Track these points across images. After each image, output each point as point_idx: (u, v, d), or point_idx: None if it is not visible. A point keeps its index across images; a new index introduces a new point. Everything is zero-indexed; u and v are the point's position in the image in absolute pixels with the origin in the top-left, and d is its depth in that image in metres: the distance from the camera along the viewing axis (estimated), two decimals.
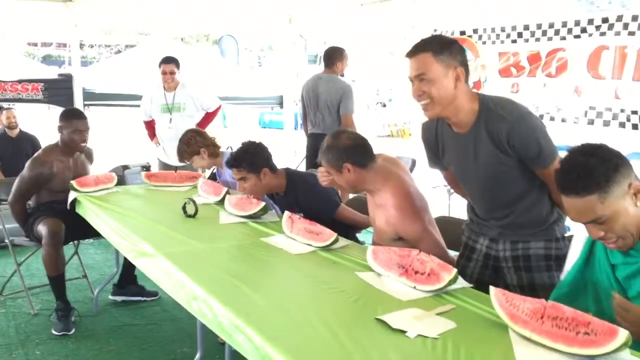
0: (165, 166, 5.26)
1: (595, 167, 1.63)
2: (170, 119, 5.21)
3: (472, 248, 2.41)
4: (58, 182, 3.74)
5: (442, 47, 2.05)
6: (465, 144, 2.18)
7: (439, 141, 2.31)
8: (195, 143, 3.83)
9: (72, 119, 3.74)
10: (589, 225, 1.70)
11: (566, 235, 2.27)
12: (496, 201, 2.24)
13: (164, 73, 5.16)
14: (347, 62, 5.12)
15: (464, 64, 2.09)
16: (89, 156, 4.01)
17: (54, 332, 3.50)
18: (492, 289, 1.79)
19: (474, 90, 2.19)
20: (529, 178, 2.16)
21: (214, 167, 4.18)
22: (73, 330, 3.53)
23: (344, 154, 2.56)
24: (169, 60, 5.18)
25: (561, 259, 2.21)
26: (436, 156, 2.37)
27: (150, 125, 5.47)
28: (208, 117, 5.41)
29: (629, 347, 1.50)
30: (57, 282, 3.62)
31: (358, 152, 2.58)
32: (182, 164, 4.72)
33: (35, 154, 3.80)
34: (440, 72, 2.04)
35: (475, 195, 2.34)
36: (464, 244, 2.46)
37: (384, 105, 20.86)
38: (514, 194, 2.19)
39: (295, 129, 7.72)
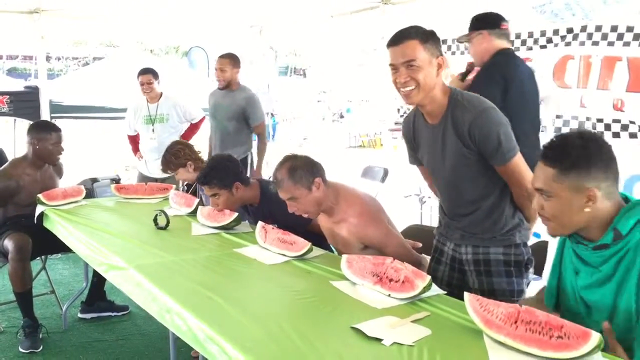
0: (144, 178, 5.12)
1: (572, 150, 1.64)
2: (153, 130, 5.10)
3: (441, 251, 2.45)
4: (25, 196, 3.65)
5: (427, 36, 2.10)
6: (435, 134, 2.23)
7: (415, 134, 2.35)
8: (183, 155, 3.77)
9: (51, 131, 3.68)
10: (537, 193, 1.73)
11: (531, 242, 2.31)
12: (460, 197, 2.28)
13: (141, 84, 5.07)
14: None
15: (442, 55, 2.15)
16: (59, 170, 3.93)
17: (21, 349, 3.41)
18: (466, 294, 1.80)
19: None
20: (492, 177, 2.19)
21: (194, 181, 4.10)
22: (41, 348, 3.44)
23: (313, 169, 2.57)
24: (145, 71, 5.10)
25: (521, 265, 2.27)
26: (413, 150, 2.42)
27: (134, 140, 5.34)
28: (192, 129, 5.32)
29: (601, 350, 1.52)
30: (24, 298, 3.53)
31: (318, 167, 2.61)
32: (162, 176, 4.65)
33: (2, 167, 3.71)
34: (426, 60, 2.08)
35: (443, 189, 2.37)
36: (434, 247, 2.50)
37: (342, 116, 21.07)
38: (476, 192, 2.23)
39: (268, 139, 7.69)
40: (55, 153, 3.70)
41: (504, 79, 3.04)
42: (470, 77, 3.32)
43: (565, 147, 1.66)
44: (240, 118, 4.78)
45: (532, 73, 3.37)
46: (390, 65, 2.14)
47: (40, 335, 3.54)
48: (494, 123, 2.11)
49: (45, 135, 3.66)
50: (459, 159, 2.18)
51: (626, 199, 1.71)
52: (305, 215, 2.63)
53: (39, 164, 3.71)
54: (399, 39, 2.11)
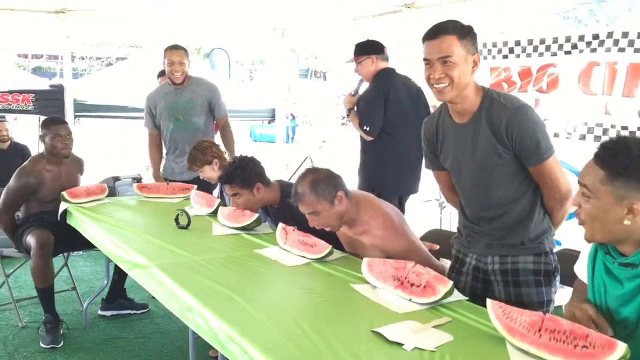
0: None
1: (628, 156, 1.55)
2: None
3: (462, 261, 2.38)
4: (46, 191, 3.70)
5: (465, 32, 2.05)
6: (465, 133, 2.17)
7: (438, 134, 2.29)
8: (210, 152, 3.76)
9: (51, 125, 3.72)
10: (579, 192, 1.67)
11: (555, 249, 2.27)
12: (489, 199, 2.21)
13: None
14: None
15: (478, 52, 2.11)
16: (80, 167, 3.98)
17: (42, 344, 3.46)
18: (489, 301, 1.78)
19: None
20: (524, 179, 2.15)
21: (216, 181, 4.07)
22: (61, 344, 3.48)
23: (335, 182, 2.53)
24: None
25: (550, 274, 2.21)
26: (433, 153, 2.35)
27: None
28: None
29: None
30: (46, 294, 3.58)
31: (340, 180, 2.58)
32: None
33: (23, 164, 3.77)
34: (462, 56, 2.04)
35: (469, 191, 2.29)
36: (454, 257, 2.43)
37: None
38: (507, 194, 2.17)
39: (286, 142, 7.73)
40: (59, 147, 3.70)
41: (386, 90, 3.78)
42: (360, 91, 3.98)
43: (621, 152, 1.57)
44: (208, 111, 4.41)
45: (411, 86, 3.95)
46: (425, 59, 2.10)
47: (61, 331, 3.58)
48: (531, 121, 2.07)
49: (45, 130, 3.71)
50: (492, 158, 2.12)
51: None
52: (327, 229, 2.60)
53: (55, 160, 3.75)
54: (436, 33, 2.06)
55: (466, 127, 2.16)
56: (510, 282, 2.21)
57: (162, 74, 5.02)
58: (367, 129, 3.78)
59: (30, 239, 3.54)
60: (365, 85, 4.01)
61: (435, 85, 2.09)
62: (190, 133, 4.34)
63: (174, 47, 4.35)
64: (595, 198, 1.61)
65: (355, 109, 3.93)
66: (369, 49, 3.89)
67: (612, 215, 1.59)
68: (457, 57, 2.03)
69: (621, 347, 1.47)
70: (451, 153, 2.27)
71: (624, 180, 1.55)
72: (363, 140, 3.90)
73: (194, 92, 4.38)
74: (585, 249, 1.84)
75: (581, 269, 1.87)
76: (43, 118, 4.33)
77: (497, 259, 2.24)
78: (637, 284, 1.61)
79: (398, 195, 3.88)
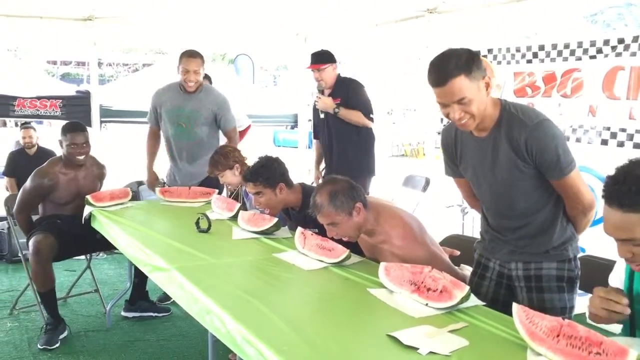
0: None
1: None
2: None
3: (485, 266, 2.38)
4: (61, 194, 3.76)
5: (469, 65, 2.00)
6: (484, 147, 2.16)
7: (457, 145, 2.29)
8: (232, 157, 3.80)
9: (68, 132, 3.73)
10: (620, 242, 1.59)
11: (578, 255, 2.25)
12: (511, 211, 2.20)
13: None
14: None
15: (485, 70, 2.08)
16: (100, 173, 4.00)
17: (38, 345, 3.52)
18: (515, 305, 1.78)
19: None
20: (546, 190, 2.13)
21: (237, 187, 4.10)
22: (56, 345, 3.52)
23: (354, 193, 2.53)
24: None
25: (573, 280, 2.20)
26: (453, 162, 2.35)
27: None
28: (239, 135, 4.92)
29: None
30: (46, 297, 3.64)
31: (359, 190, 2.57)
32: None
33: (40, 166, 3.84)
34: (475, 89, 2.01)
35: (490, 203, 2.29)
36: (477, 262, 2.43)
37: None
38: (529, 205, 2.16)
39: (309, 147, 7.73)
40: (74, 154, 3.73)
41: (346, 91, 4.39)
42: (326, 94, 4.43)
43: (639, 184, 1.51)
44: (212, 123, 4.33)
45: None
46: (439, 102, 2.08)
47: (62, 335, 3.62)
48: (550, 136, 2.04)
49: (63, 136, 3.74)
50: (513, 172, 2.12)
51: None
52: (345, 239, 2.60)
53: (71, 164, 3.79)
54: (442, 79, 2.00)
55: (485, 141, 2.15)
56: (534, 288, 2.21)
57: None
58: (372, 116, 4.40)
59: (30, 244, 3.60)
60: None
61: (457, 122, 2.08)
62: (190, 141, 4.31)
63: (191, 55, 4.20)
64: None
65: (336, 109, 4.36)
66: (330, 57, 4.39)
67: None
68: (471, 93, 2.01)
69: (632, 355, 1.46)
70: (471, 165, 2.26)
71: None
72: (355, 131, 4.37)
73: (200, 102, 4.27)
74: (620, 260, 1.80)
75: (615, 280, 1.84)
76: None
77: (520, 265, 2.23)
78: None
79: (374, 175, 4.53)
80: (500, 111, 2.10)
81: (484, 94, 2.04)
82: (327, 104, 4.38)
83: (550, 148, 2.03)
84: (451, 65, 1.98)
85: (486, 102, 2.06)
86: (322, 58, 4.38)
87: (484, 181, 2.24)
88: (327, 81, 4.39)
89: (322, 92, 4.47)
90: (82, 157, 3.77)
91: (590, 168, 3.92)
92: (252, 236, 3.10)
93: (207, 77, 4.88)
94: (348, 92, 4.40)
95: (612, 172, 1.61)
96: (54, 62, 27.33)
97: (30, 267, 3.60)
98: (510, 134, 2.07)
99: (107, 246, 3.67)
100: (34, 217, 3.90)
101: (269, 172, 3.09)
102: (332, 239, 2.64)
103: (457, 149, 2.30)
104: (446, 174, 2.48)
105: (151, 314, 4.04)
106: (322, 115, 4.48)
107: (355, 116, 4.34)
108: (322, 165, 4.74)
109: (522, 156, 2.07)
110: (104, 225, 3.48)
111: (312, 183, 4.76)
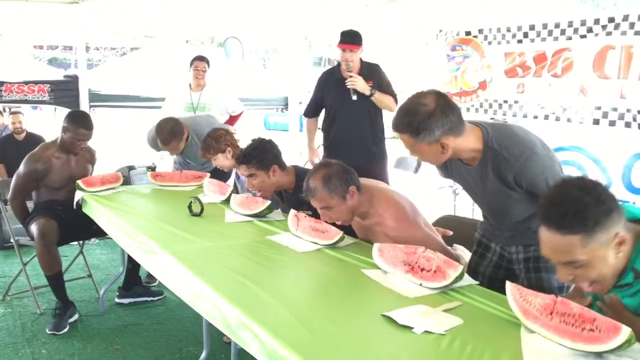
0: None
1: (587, 207, 1.49)
2: None
3: (487, 247, 2.44)
4: (55, 178, 3.74)
5: (423, 128, 2.00)
6: (473, 175, 2.20)
7: (447, 164, 2.28)
8: (224, 141, 3.78)
9: (79, 127, 3.70)
10: (560, 265, 1.58)
11: None
12: (507, 219, 2.27)
13: (196, 69, 5.20)
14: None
15: (445, 125, 2.00)
16: (91, 157, 3.99)
17: (46, 330, 3.51)
18: (508, 284, 1.80)
19: (473, 123, 2.14)
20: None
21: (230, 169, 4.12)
22: (65, 330, 3.52)
23: (347, 177, 2.53)
24: (202, 58, 5.28)
25: None
26: (445, 171, 2.36)
27: None
28: (231, 121, 5.33)
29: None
30: (54, 280, 3.63)
31: (352, 174, 2.58)
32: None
33: (32, 151, 3.80)
34: (424, 148, 2.05)
35: (485, 210, 2.38)
36: (478, 241, 2.49)
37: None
38: (523, 212, 2.20)
39: (300, 130, 7.71)
40: (77, 147, 3.74)
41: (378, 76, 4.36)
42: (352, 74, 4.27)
43: (580, 208, 1.49)
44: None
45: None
46: None
47: (72, 319, 3.63)
48: (539, 172, 2.05)
49: (70, 126, 3.70)
50: (504, 197, 2.15)
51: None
52: (339, 223, 2.61)
53: (67, 150, 3.77)
54: (394, 126, 2.09)
55: (474, 170, 2.17)
56: (532, 269, 2.25)
57: (198, 58, 5.28)
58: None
59: (34, 228, 3.59)
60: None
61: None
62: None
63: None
64: (588, 262, 1.53)
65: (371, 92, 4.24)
66: (361, 39, 4.25)
67: (609, 257, 1.54)
68: (418, 150, 2.08)
69: (625, 332, 1.48)
70: (462, 182, 2.32)
71: (600, 227, 1.50)
72: (380, 116, 4.34)
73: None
74: None
75: None
76: (67, 111, 4.35)
77: (521, 249, 2.28)
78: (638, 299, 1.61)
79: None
80: (484, 147, 2.10)
81: (437, 150, 2.05)
82: (364, 85, 4.24)
83: (540, 182, 2.05)
84: (404, 122, 2.05)
85: (445, 156, 2.07)
86: (357, 39, 4.26)
87: (476, 198, 2.31)
88: (356, 64, 4.29)
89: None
90: (81, 151, 3.79)
91: (582, 148, 3.94)
92: (245, 219, 3.09)
93: (206, 60, 5.31)
94: (380, 76, 4.34)
95: (548, 194, 1.60)
96: (41, 47, 26.99)
97: (37, 252, 3.58)
98: (497, 171, 2.10)
99: (104, 233, 3.66)
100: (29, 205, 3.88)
101: (262, 154, 3.09)
102: (326, 222, 2.64)
103: (447, 164, 2.29)
104: (440, 175, 2.48)
105: (146, 298, 4.04)
106: (354, 97, 4.27)
107: (388, 101, 4.29)
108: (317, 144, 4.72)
109: (512, 187, 2.11)
110: (95, 210, 3.46)
111: (306, 164, 4.76)
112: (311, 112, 4.65)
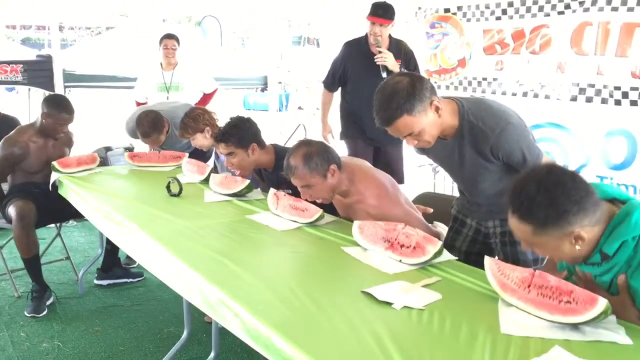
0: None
1: (539, 206, 1.54)
2: (167, 98, 5.04)
3: (463, 222, 2.46)
4: (32, 162, 3.68)
5: (411, 100, 2.00)
6: (449, 149, 2.21)
7: None
8: (202, 120, 3.73)
9: (63, 112, 3.64)
10: (524, 243, 1.68)
11: None
12: (482, 193, 2.29)
13: (165, 48, 5.10)
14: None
15: (432, 88, 2.06)
16: (68, 140, 3.92)
17: (25, 313, 3.48)
18: (487, 258, 1.81)
19: (448, 98, 2.17)
20: (515, 173, 2.15)
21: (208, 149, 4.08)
22: (44, 313, 3.50)
23: (328, 156, 2.52)
24: (171, 36, 5.15)
25: None
26: (422, 151, 2.38)
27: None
28: (205, 99, 5.29)
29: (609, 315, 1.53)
30: (31, 263, 3.58)
31: (333, 153, 2.57)
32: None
33: (8, 134, 3.73)
34: (423, 121, 2.04)
35: (461, 186, 2.40)
36: (454, 217, 2.50)
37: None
38: (500, 189, 2.21)
39: (279, 110, 7.69)
40: (59, 132, 3.69)
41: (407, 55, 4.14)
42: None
43: (531, 206, 1.56)
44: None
45: None
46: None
47: (49, 302, 3.60)
48: (515, 141, 2.07)
49: (54, 112, 3.63)
50: (480, 169, 2.17)
51: (614, 200, 1.65)
52: (319, 201, 2.60)
53: (45, 134, 3.71)
54: (386, 121, 2.04)
55: (450, 144, 2.18)
56: (508, 242, 2.28)
57: (166, 36, 5.17)
58: None
59: (11, 210, 3.53)
60: None
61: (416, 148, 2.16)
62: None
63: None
64: (541, 246, 1.63)
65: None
66: (394, 13, 3.93)
67: (564, 249, 1.60)
68: (419, 126, 2.04)
69: (602, 303, 1.50)
70: (437, 158, 2.34)
71: (552, 226, 1.55)
72: None
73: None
74: None
75: None
76: (41, 92, 4.27)
77: (497, 223, 2.31)
78: (608, 276, 1.65)
79: None
80: (460, 120, 2.11)
81: (435, 117, 2.06)
82: (394, 63, 3.98)
83: (516, 151, 2.08)
84: (393, 106, 2.01)
85: (440, 122, 2.08)
86: (389, 13, 3.96)
87: (452, 173, 2.33)
88: (385, 39, 4.01)
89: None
90: (61, 135, 3.72)
91: (559, 124, 3.97)
92: (224, 199, 3.07)
93: (175, 37, 5.14)
94: (408, 55, 4.13)
95: (520, 176, 1.66)
96: (14, 27, 26.37)
97: (14, 234, 3.53)
98: (473, 142, 2.11)
99: (82, 215, 3.62)
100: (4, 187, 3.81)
101: (241, 132, 3.06)
102: (306, 200, 2.63)
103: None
104: (417, 153, 2.48)
105: (125, 280, 4.01)
106: (384, 74, 3.92)
107: None
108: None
109: (488, 159, 2.13)
110: (70, 192, 3.40)
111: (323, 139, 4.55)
112: (331, 84, 4.27)
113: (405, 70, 3.97)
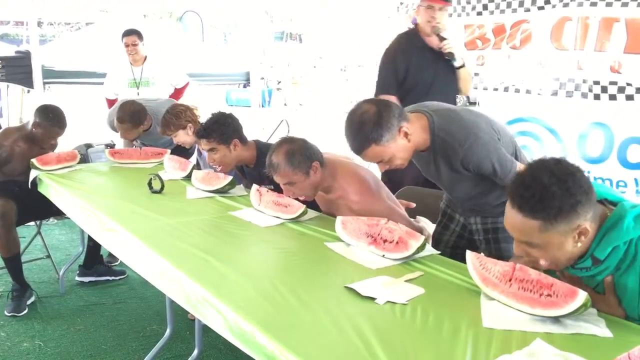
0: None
1: (554, 196, 1.49)
2: (138, 94, 4.99)
3: (451, 217, 2.49)
4: (15, 166, 3.62)
5: (378, 131, 2.01)
6: (425, 161, 2.25)
7: None
8: (184, 117, 3.70)
9: (55, 126, 3.62)
10: (517, 241, 1.62)
11: None
12: (462, 194, 2.32)
13: (126, 46, 4.97)
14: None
15: (401, 114, 2.07)
16: (53, 146, 3.84)
17: (5, 312, 3.44)
18: (468, 252, 1.82)
19: (418, 111, 2.18)
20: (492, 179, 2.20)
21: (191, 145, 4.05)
22: (24, 312, 3.46)
23: (311, 153, 2.52)
24: (130, 32, 4.99)
25: None
26: None
27: (113, 103, 5.30)
28: (177, 94, 5.25)
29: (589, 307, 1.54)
30: (11, 262, 3.54)
31: (315, 150, 2.58)
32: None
33: None
34: (392, 148, 2.06)
35: (442, 187, 2.42)
36: (443, 212, 2.54)
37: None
38: (479, 191, 2.26)
39: (262, 106, 7.66)
40: (47, 143, 3.67)
41: None
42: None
43: (545, 196, 1.49)
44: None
45: None
46: None
47: (30, 301, 3.56)
48: (484, 155, 2.09)
49: (46, 124, 3.60)
50: (458, 177, 2.20)
51: (605, 202, 1.64)
52: (302, 198, 2.59)
53: (33, 142, 3.67)
54: (357, 150, 2.08)
55: (425, 156, 2.22)
56: (491, 240, 2.32)
57: (125, 33, 5.03)
58: None
59: None
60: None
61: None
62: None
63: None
64: (543, 247, 1.56)
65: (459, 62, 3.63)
66: None
67: (566, 245, 1.55)
68: (389, 154, 2.07)
69: (582, 296, 1.52)
70: (419, 167, 2.35)
71: (563, 218, 1.50)
72: (453, 94, 3.66)
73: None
74: None
75: None
76: (12, 85, 4.20)
77: (479, 219, 2.35)
78: (595, 281, 1.64)
79: None
80: (431, 136, 2.13)
81: (404, 143, 2.08)
82: (459, 56, 3.63)
83: (486, 164, 2.10)
84: (360, 138, 2.03)
85: (410, 145, 2.10)
86: None
87: (432, 179, 2.35)
88: (444, 25, 3.59)
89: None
90: (50, 149, 3.70)
91: (540, 119, 4.00)
92: (206, 195, 3.05)
93: (135, 32, 5.07)
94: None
95: (521, 171, 1.60)
96: None
97: None
98: (445, 157, 2.14)
99: (63, 212, 3.57)
100: None
101: (223, 127, 3.04)
102: (289, 197, 2.63)
103: None
104: None
105: (107, 277, 3.98)
106: (457, 64, 3.61)
107: (470, 79, 3.78)
108: None
109: (461, 171, 2.15)
110: (50, 189, 3.36)
111: None
112: (394, 86, 3.62)
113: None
